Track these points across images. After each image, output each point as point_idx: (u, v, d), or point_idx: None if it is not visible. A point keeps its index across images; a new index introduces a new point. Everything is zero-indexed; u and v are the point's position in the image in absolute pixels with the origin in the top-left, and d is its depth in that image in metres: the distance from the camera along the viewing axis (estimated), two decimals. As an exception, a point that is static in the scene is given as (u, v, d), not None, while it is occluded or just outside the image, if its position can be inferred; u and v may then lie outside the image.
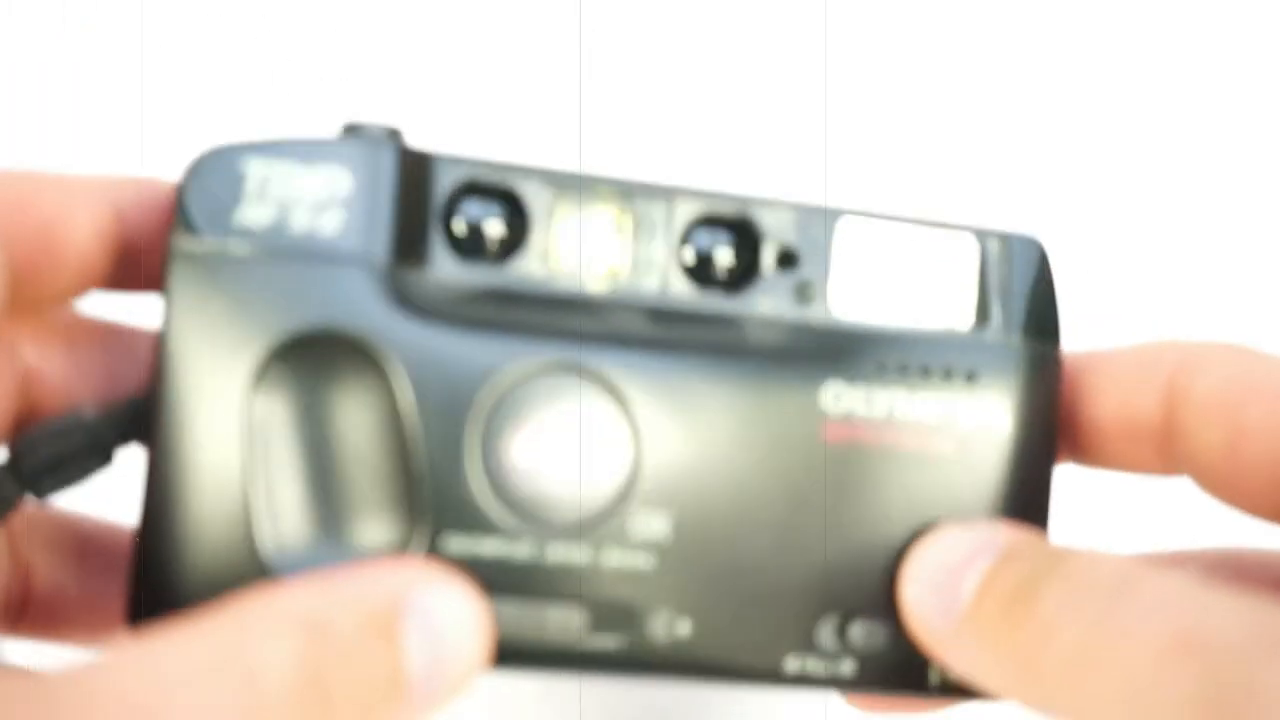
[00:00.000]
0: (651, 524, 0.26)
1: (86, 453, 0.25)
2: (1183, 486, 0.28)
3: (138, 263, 0.27)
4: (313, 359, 0.25)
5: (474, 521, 0.25)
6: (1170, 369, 0.28)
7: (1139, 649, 0.22)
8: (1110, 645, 0.22)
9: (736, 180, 0.29)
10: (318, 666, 0.21)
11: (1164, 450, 0.28)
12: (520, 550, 0.26)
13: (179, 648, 0.20)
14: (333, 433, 0.25)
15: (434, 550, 0.25)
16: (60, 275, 0.26)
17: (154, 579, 0.25)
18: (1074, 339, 0.29)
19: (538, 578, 0.26)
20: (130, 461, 0.26)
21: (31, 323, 0.27)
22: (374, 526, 0.25)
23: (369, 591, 0.22)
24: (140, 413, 0.25)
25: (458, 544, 0.25)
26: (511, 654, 0.26)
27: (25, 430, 0.25)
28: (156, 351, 0.25)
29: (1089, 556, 0.24)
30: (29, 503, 0.26)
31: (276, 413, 0.25)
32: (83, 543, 0.29)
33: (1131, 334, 0.29)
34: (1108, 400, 0.28)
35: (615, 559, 0.26)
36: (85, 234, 0.26)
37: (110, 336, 0.28)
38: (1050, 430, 0.28)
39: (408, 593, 0.22)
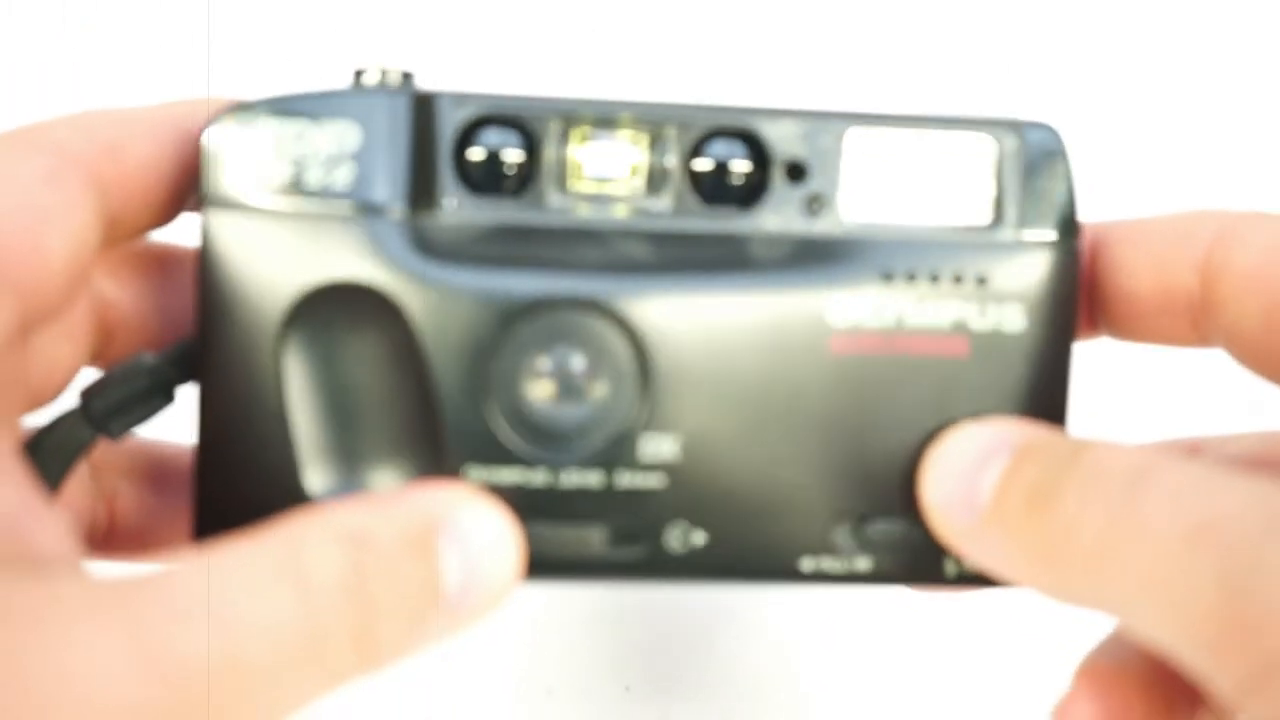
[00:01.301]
0: (661, 446, 0.27)
1: (150, 393, 0.27)
2: (1216, 361, 0.28)
3: None
4: (332, 309, 0.26)
5: (493, 453, 0.27)
6: (1208, 239, 0.28)
7: (1158, 538, 0.22)
8: (1130, 536, 0.23)
9: (744, 93, 0.29)
10: (362, 576, 0.22)
11: (1200, 322, 0.28)
12: (537, 478, 0.27)
13: (240, 557, 0.22)
14: (357, 376, 0.27)
15: (459, 478, 0.27)
16: (149, 213, 0.27)
17: (210, 506, 0.27)
18: (1103, 213, 0.29)
19: (555, 503, 0.27)
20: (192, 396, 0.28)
21: (109, 255, 0.29)
22: (400, 461, 0.27)
23: (409, 511, 0.24)
24: (190, 355, 0.27)
25: (478, 474, 0.27)
26: (535, 567, 0.27)
27: (93, 378, 0.27)
28: (197, 302, 0.26)
29: (1106, 448, 0.24)
30: (103, 442, 0.28)
31: (304, 359, 0.27)
32: (160, 467, 0.31)
33: (1157, 209, 0.29)
34: (1144, 272, 0.28)
35: (627, 481, 0.27)
36: (172, 168, 0.27)
37: (171, 261, 0.30)
38: (1068, 324, 0.28)
39: (445, 513, 0.24)
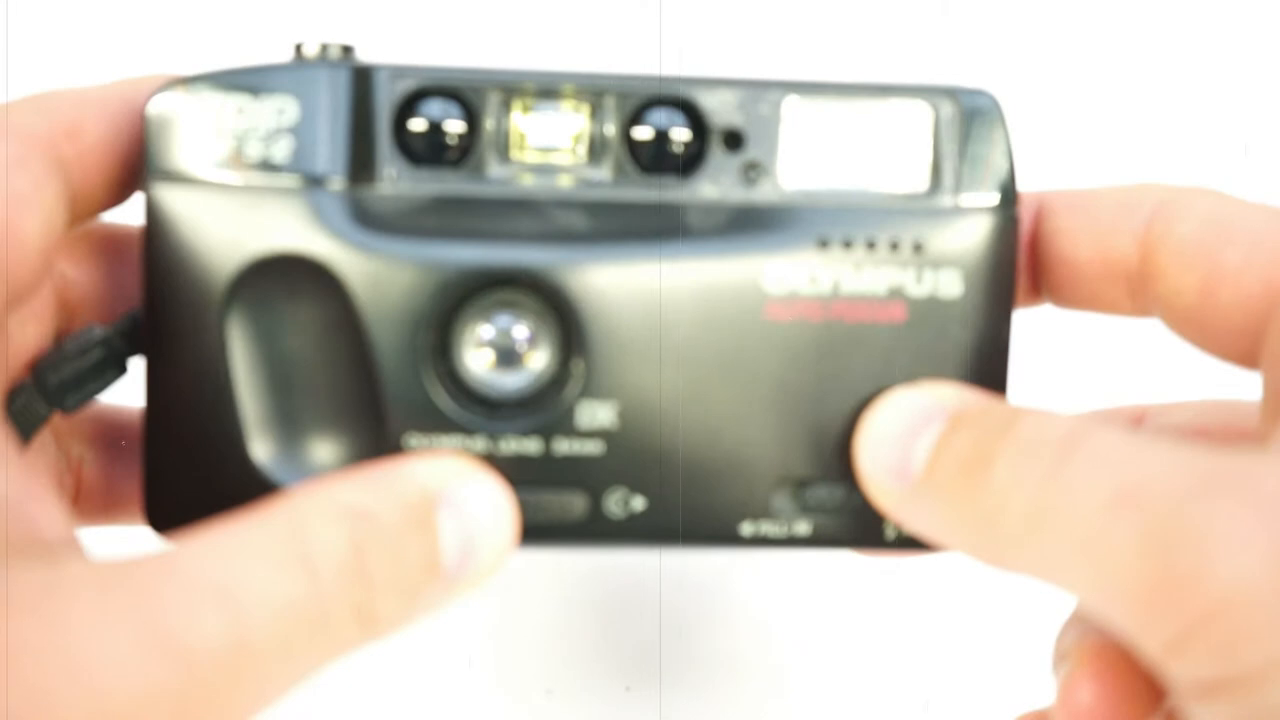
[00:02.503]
0: (599, 414, 0.28)
1: (102, 365, 0.28)
2: (1151, 331, 0.28)
3: None
4: (273, 280, 0.27)
5: (432, 422, 0.27)
6: (1149, 211, 0.28)
7: (1085, 504, 0.22)
8: (1059, 503, 0.23)
9: (682, 63, 0.29)
10: (364, 553, 0.23)
11: (1138, 292, 0.28)
12: (475, 446, 0.27)
13: (245, 537, 0.23)
14: (299, 347, 0.27)
15: (397, 450, 0.27)
16: (107, 191, 0.28)
17: (158, 476, 0.27)
18: (1036, 186, 0.29)
19: (499, 468, 0.27)
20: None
21: (68, 236, 0.29)
22: (343, 431, 0.28)
23: (408, 484, 0.24)
24: (139, 327, 0.27)
25: (418, 443, 0.27)
26: None
27: (43, 354, 0.28)
28: (143, 274, 0.27)
29: (1038, 417, 0.25)
30: (58, 416, 0.28)
31: (247, 330, 0.27)
32: (122, 432, 0.31)
33: (1096, 180, 0.29)
34: (1085, 241, 0.29)
35: (565, 448, 0.28)
36: (126, 147, 0.27)
37: (125, 240, 0.30)
38: (1007, 290, 0.28)
39: (444, 485, 0.25)
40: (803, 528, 0.28)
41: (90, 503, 0.30)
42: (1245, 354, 0.27)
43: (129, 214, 0.29)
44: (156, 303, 0.27)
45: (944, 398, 0.27)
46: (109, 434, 0.31)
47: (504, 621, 0.43)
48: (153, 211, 0.27)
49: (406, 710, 0.43)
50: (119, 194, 0.28)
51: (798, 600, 0.43)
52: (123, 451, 0.31)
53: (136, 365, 0.28)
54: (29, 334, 0.28)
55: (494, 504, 0.25)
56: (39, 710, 0.20)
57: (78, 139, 0.27)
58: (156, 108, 0.27)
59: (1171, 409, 0.31)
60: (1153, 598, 0.21)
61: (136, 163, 0.28)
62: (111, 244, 0.30)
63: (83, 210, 0.28)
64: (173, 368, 0.27)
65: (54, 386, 0.27)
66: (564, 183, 0.28)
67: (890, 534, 0.29)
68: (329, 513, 0.23)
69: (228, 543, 0.22)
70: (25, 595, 0.21)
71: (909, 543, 0.29)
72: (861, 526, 0.28)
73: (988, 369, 0.28)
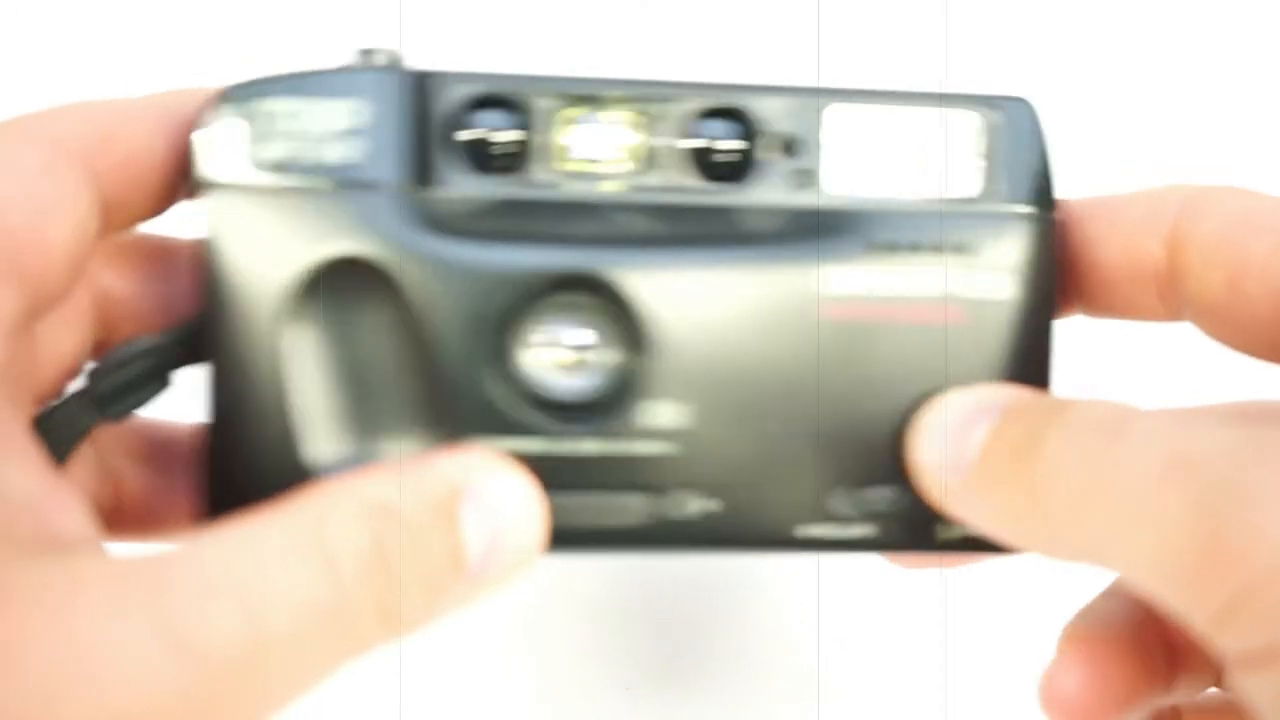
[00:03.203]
0: (671, 414, 0.28)
1: (150, 375, 0.27)
2: (1184, 338, 0.29)
3: None
4: (338, 283, 0.27)
5: (498, 425, 0.27)
6: (1174, 212, 0.28)
7: (1135, 475, 0.23)
8: (1109, 477, 0.23)
9: (734, 71, 0.29)
10: (386, 549, 0.23)
11: (1168, 294, 0.29)
12: (538, 448, 0.27)
13: (264, 533, 0.22)
14: (364, 351, 0.27)
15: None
16: (144, 201, 0.27)
17: (218, 484, 0.27)
18: (1073, 192, 0.30)
19: (563, 472, 0.27)
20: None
21: (106, 247, 0.29)
22: (408, 435, 0.27)
23: (432, 479, 0.24)
24: (192, 338, 0.27)
25: (487, 445, 0.27)
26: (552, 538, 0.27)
27: (96, 362, 0.28)
28: (201, 284, 0.27)
29: (1086, 403, 0.25)
30: (104, 426, 0.28)
31: (310, 335, 0.27)
32: (163, 446, 0.31)
33: (1130, 185, 0.30)
34: (1112, 246, 0.29)
35: (633, 448, 0.28)
36: (164, 158, 0.27)
37: (170, 252, 0.30)
38: (1048, 292, 0.29)
39: (468, 480, 0.24)
40: (857, 531, 0.29)
41: (130, 517, 0.30)
42: (1276, 345, 0.27)
43: (177, 224, 0.29)
44: (215, 308, 0.27)
45: (997, 394, 0.27)
46: (149, 448, 0.30)
47: (503, 621, 0.43)
48: (211, 217, 0.27)
49: (408, 710, 0.43)
50: (158, 204, 0.28)
51: (797, 601, 0.43)
52: (162, 466, 0.30)
53: (182, 378, 0.28)
54: (63, 344, 0.28)
55: (521, 498, 0.24)
56: (43, 708, 0.20)
57: (113, 147, 0.27)
58: (212, 111, 0.27)
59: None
60: (1202, 566, 0.22)
61: (176, 173, 0.27)
62: (156, 256, 0.30)
63: (118, 220, 0.27)
64: (233, 374, 0.27)
65: (102, 394, 0.27)
66: (621, 187, 0.28)
67: (941, 536, 0.29)
68: (351, 508, 0.23)
69: (246, 539, 0.22)
70: (33, 591, 0.21)
71: (956, 546, 0.29)
72: (913, 529, 0.29)
73: (1033, 370, 0.29)
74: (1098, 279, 0.29)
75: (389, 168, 0.27)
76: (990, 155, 0.29)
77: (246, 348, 0.26)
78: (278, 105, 0.27)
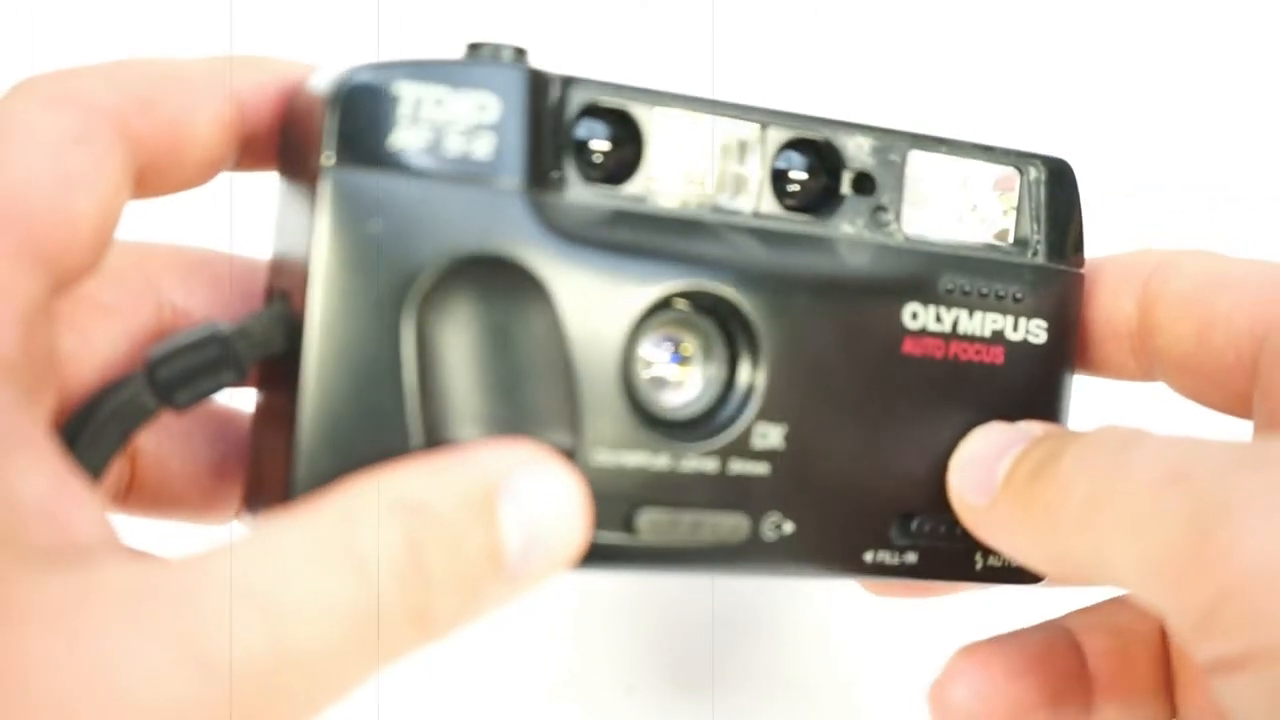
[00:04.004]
0: (769, 435, 0.28)
1: (220, 364, 0.26)
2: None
3: (258, 143, 0.27)
4: (475, 281, 0.26)
5: (618, 436, 0.27)
6: (1146, 274, 0.30)
7: (1138, 484, 0.24)
8: (1114, 487, 0.25)
9: (810, 104, 0.31)
10: (420, 549, 0.21)
11: (1140, 353, 0.31)
12: (659, 462, 0.27)
13: (290, 536, 0.21)
14: (498, 349, 0.26)
15: (585, 461, 0.27)
16: (183, 170, 0.26)
17: (312, 477, 0.25)
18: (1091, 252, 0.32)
19: (674, 486, 0.27)
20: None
21: (169, 259, 0.28)
22: (531, 434, 0.26)
23: (468, 473, 0.23)
24: (279, 327, 0.26)
25: (606, 456, 0.27)
26: (646, 556, 0.27)
27: (160, 342, 0.26)
28: (314, 259, 0.25)
29: (1106, 427, 0.26)
30: (166, 414, 0.26)
31: (443, 331, 0.26)
32: (187, 427, 0.29)
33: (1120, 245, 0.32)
34: (1090, 307, 0.31)
35: (739, 468, 0.28)
36: (209, 126, 0.26)
37: (241, 272, 0.29)
38: (1074, 341, 0.31)
39: (507, 474, 0.23)
40: (911, 558, 0.30)
41: (142, 494, 0.29)
42: (1241, 396, 0.29)
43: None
44: (321, 302, 0.25)
45: (1031, 427, 0.29)
46: (172, 427, 0.29)
47: (503, 622, 0.43)
48: (334, 195, 0.25)
49: (407, 711, 0.43)
50: (199, 175, 0.27)
51: (798, 602, 0.44)
52: (183, 446, 0.29)
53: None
54: (105, 341, 0.27)
55: (563, 494, 0.23)
56: None
57: (152, 112, 0.25)
58: (356, 82, 0.25)
59: None
60: (1187, 570, 0.22)
61: (220, 143, 0.26)
62: (219, 270, 0.29)
63: (154, 186, 0.26)
64: (338, 366, 0.25)
65: (165, 381, 0.26)
66: (721, 208, 0.29)
67: (979, 564, 0.31)
68: (382, 507, 0.22)
69: (270, 543, 0.21)
70: (45, 604, 0.20)
71: (994, 576, 0.31)
72: (954, 559, 0.30)
73: (1059, 408, 0.31)
74: (1081, 338, 0.32)
75: (518, 164, 0.26)
76: (1035, 211, 0.31)
77: (360, 334, 0.25)
78: (420, 89, 0.25)
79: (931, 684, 0.31)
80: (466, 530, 0.22)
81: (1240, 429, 0.30)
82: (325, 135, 0.25)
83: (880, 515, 0.30)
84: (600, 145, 0.28)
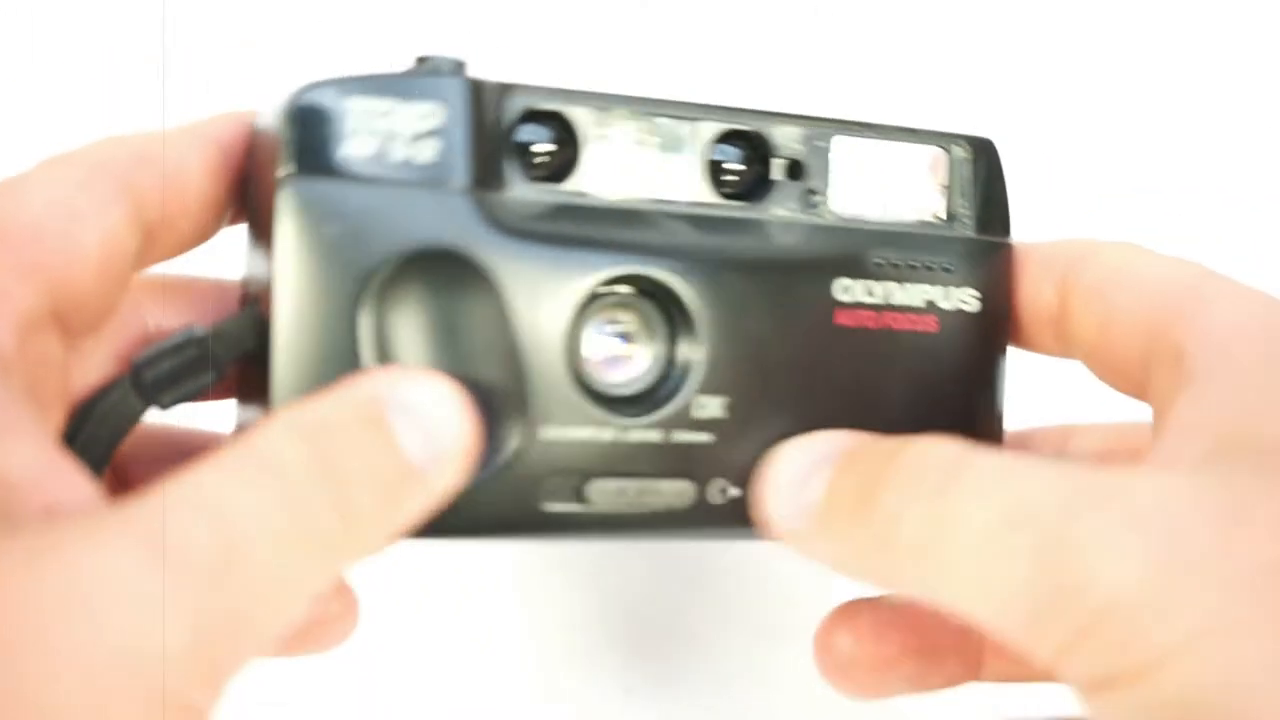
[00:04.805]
0: (709, 407, 0.30)
1: (199, 364, 0.28)
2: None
3: (245, 194, 0.29)
4: (425, 275, 0.28)
5: (565, 413, 0.29)
6: (1066, 263, 0.32)
7: (972, 527, 0.24)
8: (947, 528, 0.25)
9: (741, 95, 0.33)
10: (325, 455, 0.24)
11: (1059, 334, 0.32)
12: (605, 435, 0.29)
13: (222, 462, 0.23)
14: (449, 337, 0.28)
15: (532, 438, 0.29)
16: (188, 224, 0.29)
17: None
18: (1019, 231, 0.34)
19: (622, 457, 0.29)
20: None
21: (153, 285, 0.30)
22: (487, 424, 0.28)
23: (354, 395, 0.25)
24: (251, 328, 0.28)
25: (553, 432, 0.29)
26: (598, 523, 0.29)
27: (143, 349, 0.28)
28: (277, 264, 0.27)
29: (919, 446, 0.26)
30: (152, 415, 0.28)
31: (386, 324, 0.28)
32: (173, 447, 0.32)
33: (1071, 225, 0.34)
34: (1020, 288, 0.33)
35: (682, 437, 0.30)
36: (207, 182, 0.28)
37: (219, 292, 0.31)
38: (1006, 310, 0.33)
39: (389, 390, 0.25)
40: None
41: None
42: (1143, 387, 0.30)
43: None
44: (288, 293, 0.27)
45: (834, 442, 0.29)
46: (159, 445, 0.31)
47: (503, 622, 0.44)
48: (284, 210, 0.27)
49: (407, 711, 0.44)
50: (202, 228, 0.29)
51: (799, 602, 0.42)
52: (161, 465, 0.30)
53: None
54: (91, 362, 0.29)
55: (442, 397, 0.25)
56: (36, 635, 0.21)
57: (151, 167, 0.28)
58: (304, 100, 0.27)
59: (1094, 429, 0.35)
60: (1042, 611, 0.23)
61: (220, 197, 0.29)
62: (205, 296, 0.31)
63: (164, 244, 0.28)
64: (303, 358, 0.27)
65: (150, 382, 0.28)
66: (654, 199, 0.31)
67: None
68: (288, 430, 0.24)
69: (205, 473, 0.23)
70: (20, 549, 0.22)
71: None
72: None
73: (993, 377, 0.32)
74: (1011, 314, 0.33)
75: (462, 168, 0.28)
76: (962, 187, 0.33)
77: (319, 332, 0.27)
78: (365, 101, 0.28)
79: (816, 633, 0.32)
80: (362, 434, 0.24)
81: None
82: (283, 148, 0.27)
83: None
84: (539, 146, 0.30)
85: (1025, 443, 0.35)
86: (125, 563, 0.22)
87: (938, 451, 0.26)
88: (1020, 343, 0.33)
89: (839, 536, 0.27)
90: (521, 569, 0.44)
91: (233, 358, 0.28)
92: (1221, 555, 0.22)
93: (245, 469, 0.23)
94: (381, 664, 0.44)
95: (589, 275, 0.29)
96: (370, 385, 0.25)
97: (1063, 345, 0.32)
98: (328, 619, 0.32)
